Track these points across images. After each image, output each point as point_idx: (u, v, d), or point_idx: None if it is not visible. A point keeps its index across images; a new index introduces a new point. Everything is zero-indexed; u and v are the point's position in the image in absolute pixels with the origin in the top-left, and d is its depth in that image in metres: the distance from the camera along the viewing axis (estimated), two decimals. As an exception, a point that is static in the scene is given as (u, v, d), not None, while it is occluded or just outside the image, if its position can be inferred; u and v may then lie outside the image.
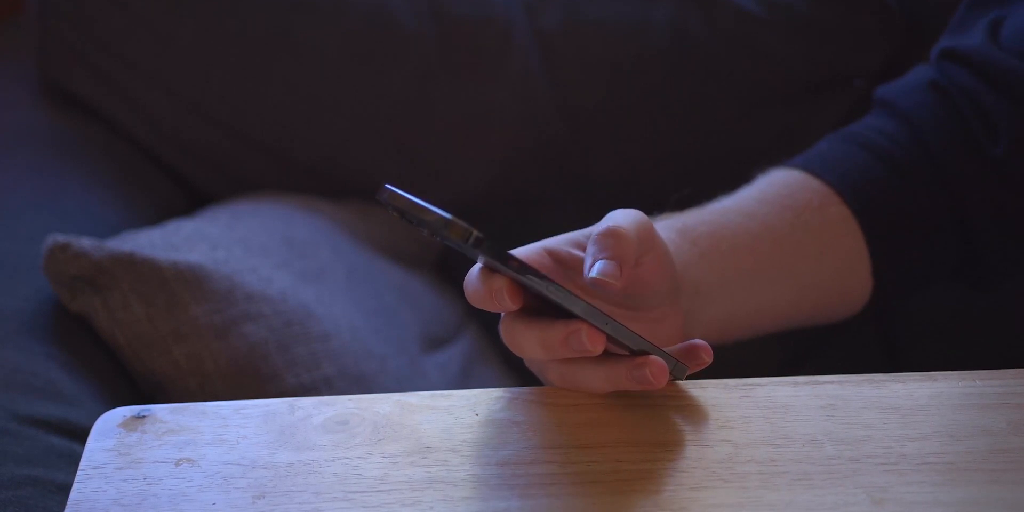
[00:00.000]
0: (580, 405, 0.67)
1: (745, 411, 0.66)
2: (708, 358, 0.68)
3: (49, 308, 1.01)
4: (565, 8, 1.29)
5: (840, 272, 0.89)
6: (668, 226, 0.83)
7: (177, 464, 0.64)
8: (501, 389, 0.69)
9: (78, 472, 0.64)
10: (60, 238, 1.00)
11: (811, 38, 1.28)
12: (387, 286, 1.21)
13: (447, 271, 1.33)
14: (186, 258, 1.03)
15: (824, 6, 1.28)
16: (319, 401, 0.68)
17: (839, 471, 0.62)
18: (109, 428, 0.66)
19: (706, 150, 1.31)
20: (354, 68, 1.27)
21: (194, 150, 1.29)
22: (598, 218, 0.72)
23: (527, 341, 0.66)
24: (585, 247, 0.70)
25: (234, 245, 1.09)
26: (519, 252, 0.70)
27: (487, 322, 1.28)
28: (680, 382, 0.68)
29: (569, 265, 0.71)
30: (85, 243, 1.00)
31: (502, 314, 0.68)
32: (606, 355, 0.66)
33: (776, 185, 0.90)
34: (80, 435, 0.87)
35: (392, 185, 0.62)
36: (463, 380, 1.19)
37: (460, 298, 1.25)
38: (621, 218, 0.69)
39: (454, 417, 0.67)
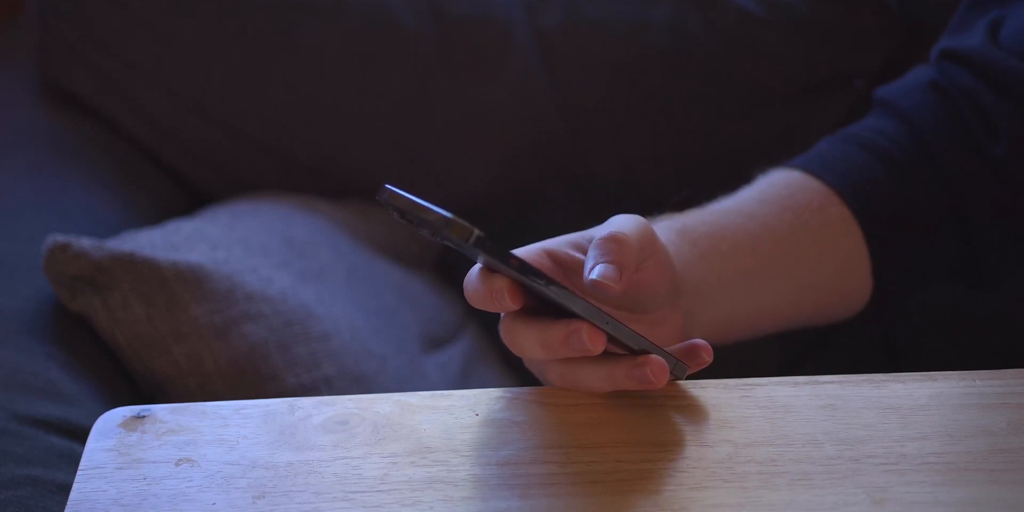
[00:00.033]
0: (580, 405, 0.67)
1: (745, 411, 0.66)
2: (708, 357, 0.68)
3: (49, 308, 1.01)
4: (565, 8, 1.29)
5: (840, 272, 0.89)
6: (668, 227, 0.83)
7: (177, 464, 0.64)
8: (501, 389, 0.69)
9: (78, 472, 0.64)
10: (60, 238, 1.00)
11: (811, 38, 1.28)
12: (387, 286, 1.21)
13: (447, 271, 1.33)
14: (186, 258, 1.03)
15: (824, 6, 1.28)
16: (319, 401, 0.68)
17: (839, 471, 0.62)
18: (109, 428, 0.66)
19: (706, 150, 1.31)
20: (354, 68, 1.27)
21: (194, 150, 1.29)
22: (598, 218, 0.72)
23: (527, 341, 0.66)
24: (584, 249, 0.70)
25: (234, 245, 1.09)
26: (518, 253, 0.70)
27: (487, 322, 1.28)
28: (680, 382, 0.68)
29: (568, 267, 0.71)
30: (85, 243, 1.00)
31: (502, 314, 0.68)
32: (606, 355, 0.66)
33: (776, 186, 0.90)
34: (80, 435, 0.87)
35: (392, 185, 0.62)
36: (463, 380, 1.19)
37: (460, 298, 1.25)
38: (623, 224, 0.69)
39: (454, 417, 0.67)
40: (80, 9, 1.25)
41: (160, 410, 0.68)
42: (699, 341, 0.69)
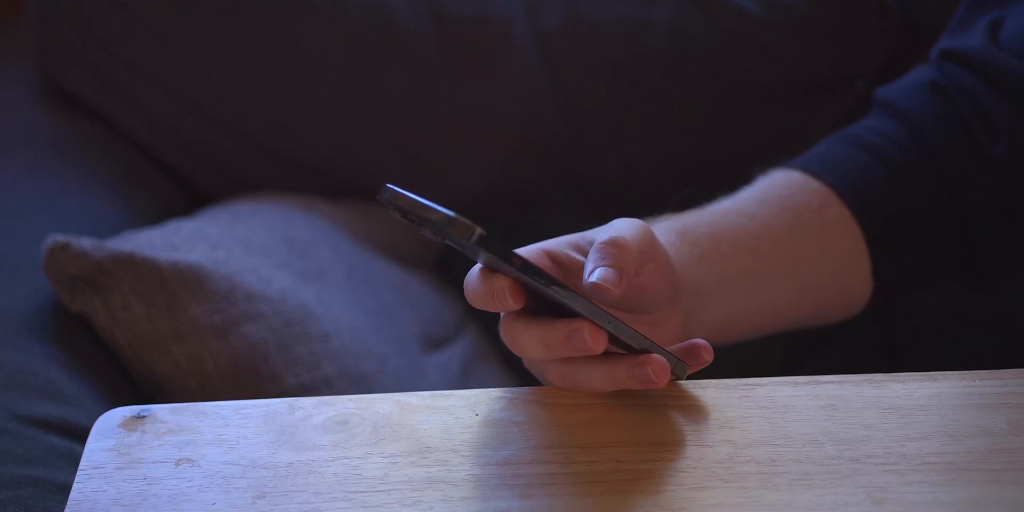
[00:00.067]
0: (580, 405, 0.67)
1: (745, 411, 0.66)
2: (709, 357, 0.68)
3: (49, 308, 1.01)
4: (565, 8, 1.29)
5: (840, 273, 0.89)
6: (668, 227, 0.83)
7: (177, 464, 0.64)
8: (501, 389, 0.69)
9: (78, 472, 0.64)
10: (60, 238, 1.00)
11: (811, 38, 1.28)
12: (387, 286, 1.21)
13: (447, 271, 1.33)
14: (186, 258, 1.03)
15: (824, 6, 1.28)
16: (319, 401, 0.68)
17: (839, 471, 0.62)
18: (109, 428, 0.66)
19: (706, 150, 1.31)
20: (354, 68, 1.27)
21: (194, 150, 1.29)
22: (598, 218, 0.72)
23: (528, 340, 0.66)
24: (583, 250, 0.70)
25: (234, 245, 1.09)
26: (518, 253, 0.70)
27: (487, 322, 1.28)
28: (680, 382, 0.68)
29: (567, 267, 0.71)
30: (85, 243, 1.00)
31: (502, 314, 0.68)
32: (606, 354, 0.66)
33: (776, 186, 0.90)
34: (80, 435, 0.87)
35: (393, 185, 0.62)
36: (463, 380, 1.19)
37: (460, 298, 1.25)
38: (623, 228, 0.69)
39: (454, 417, 0.67)
40: (80, 9, 1.25)
41: (160, 410, 0.68)
42: (699, 341, 0.69)
